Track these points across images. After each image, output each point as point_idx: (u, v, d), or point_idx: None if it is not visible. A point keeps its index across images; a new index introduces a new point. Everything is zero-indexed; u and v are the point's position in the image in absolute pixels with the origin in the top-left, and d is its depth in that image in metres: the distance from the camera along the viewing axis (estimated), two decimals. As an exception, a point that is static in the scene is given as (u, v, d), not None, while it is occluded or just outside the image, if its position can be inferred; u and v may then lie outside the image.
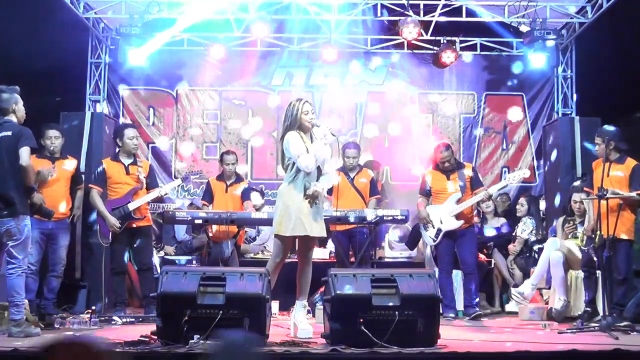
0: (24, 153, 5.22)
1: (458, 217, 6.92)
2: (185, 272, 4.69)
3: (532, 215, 7.99)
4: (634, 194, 5.98)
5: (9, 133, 5.27)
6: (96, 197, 6.84)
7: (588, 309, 6.27)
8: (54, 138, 6.64)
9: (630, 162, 6.18)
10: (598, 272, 6.27)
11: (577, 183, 7.36)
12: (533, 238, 7.77)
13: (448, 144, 7.21)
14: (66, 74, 8.75)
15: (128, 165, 6.90)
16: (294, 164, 5.28)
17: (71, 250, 7.08)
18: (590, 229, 6.25)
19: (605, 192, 5.75)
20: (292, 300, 5.60)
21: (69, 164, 6.81)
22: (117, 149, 7.10)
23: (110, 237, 6.77)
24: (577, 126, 8.32)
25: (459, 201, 6.93)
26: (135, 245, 6.89)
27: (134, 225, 6.82)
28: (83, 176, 7.25)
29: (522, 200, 8.11)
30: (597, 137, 6.27)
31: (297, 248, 5.56)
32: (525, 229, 7.82)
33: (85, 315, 6.06)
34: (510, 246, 7.86)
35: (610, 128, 6.27)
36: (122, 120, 9.06)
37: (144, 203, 6.80)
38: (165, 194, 7.07)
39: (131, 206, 6.74)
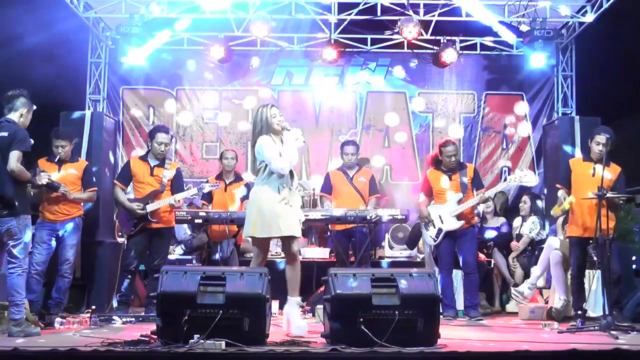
0: (12, 157, 5.24)
1: (459, 217, 6.92)
2: (185, 272, 4.69)
3: (536, 213, 8.00)
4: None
5: (6, 134, 5.30)
6: (119, 192, 6.96)
7: (579, 312, 6.24)
8: (60, 147, 6.70)
9: (616, 167, 6.25)
10: (593, 272, 6.31)
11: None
12: (539, 237, 7.78)
13: (453, 141, 7.24)
14: (66, 73, 8.75)
15: (154, 166, 6.95)
16: (266, 166, 5.35)
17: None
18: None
19: (605, 192, 5.74)
20: (292, 300, 5.62)
21: (75, 168, 6.84)
22: (148, 150, 7.15)
23: (125, 236, 6.82)
24: (577, 126, 8.32)
25: (460, 201, 6.94)
26: (152, 248, 6.91)
27: (152, 227, 6.84)
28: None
29: (525, 197, 8.10)
30: (605, 137, 6.18)
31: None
32: (534, 228, 7.83)
33: (85, 315, 6.07)
34: (514, 243, 7.85)
35: (610, 129, 6.29)
36: (121, 119, 9.07)
37: (161, 207, 6.81)
38: (179, 202, 7.00)
39: (149, 208, 6.78)
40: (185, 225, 8.12)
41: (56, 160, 6.72)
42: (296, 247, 5.56)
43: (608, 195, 5.79)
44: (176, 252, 8.16)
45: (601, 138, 6.20)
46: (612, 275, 5.99)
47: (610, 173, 6.16)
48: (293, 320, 5.30)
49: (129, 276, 6.90)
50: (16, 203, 5.28)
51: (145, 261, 7.09)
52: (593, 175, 6.16)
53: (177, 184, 7.01)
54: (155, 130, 7.18)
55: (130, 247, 6.89)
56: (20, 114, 5.45)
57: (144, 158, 7.09)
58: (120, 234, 6.95)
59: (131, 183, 7.09)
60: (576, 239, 6.33)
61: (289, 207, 5.37)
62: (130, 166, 7.06)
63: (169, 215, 6.92)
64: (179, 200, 6.88)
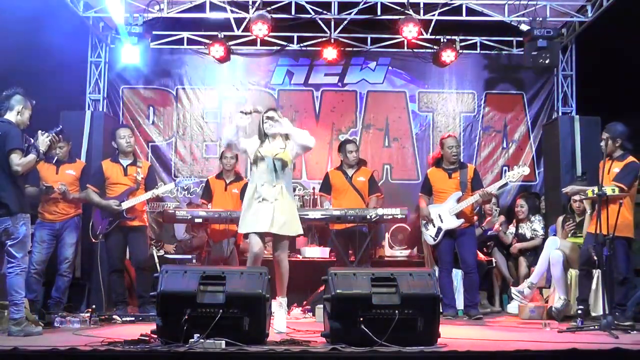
0: (13, 160, 5.22)
1: (458, 215, 6.92)
2: (185, 271, 4.68)
3: (536, 213, 8.02)
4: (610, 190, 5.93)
5: None
6: (92, 194, 6.86)
7: (581, 306, 6.23)
8: (58, 148, 6.69)
9: (628, 160, 6.17)
10: (595, 271, 6.28)
11: (576, 182, 7.37)
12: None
13: (454, 135, 7.32)
14: (66, 73, 8.75)
15: (127, 166, 6.95)
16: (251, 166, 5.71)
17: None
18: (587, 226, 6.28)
19: (604, 192, 5.73)
20: (293, 299, 5.63)
21: (73, 169, 6.84)
22: (117, 151, 7.11)
23: (102, 235, 6.81)
24: (577, 125, 8.32)
25: (459, 200, 6.94)
26: (130, 245, 6.91)
27: (127, 224, 6.83)
28: None
29: (521, 201, 8.11)
30: (603, 132, 6.25)
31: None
32: (543, 226, 7.86)
33: (85, 314, 6.07)
34: (515, 247, 7.85)
35: (618, 125, 6.25)
36: (122, 120, 9.07)
37: (137, 203, 6.82)
38: (158, 196, 7.05)
39: (124, 205, 6.76)
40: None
41: (54, 161, 6.72)
42: (280, 247, 5.66)
43: (608, 195, 5.77)
44: (173, 252, 8.16)
45: (603, 135, 6.23)
46: (617, 276, 5.98)
47: (619, 168, 6.13)
48: (274, 320, 5.51)
49: (120, 276, 6.92)
50: (12, 202, 5.26)
51: (131, 260, 7.11)
52: (608, 172, 6.14)
53: (151, 181, 7.03)
54: (115, 130, 7.17)
55: (109, 247, 6.88)
56: (16, 112, 5.41)
57: (115, 160, 7.03)
58: (98, 233, 6.87)
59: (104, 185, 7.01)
60: (593, 236, 6.22)
61: (265, 204, 5.54)
62: (102, 170, 6.99)
63: (144, 213, 6.98)
64: (155, 196, 6.94)
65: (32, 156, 5.34)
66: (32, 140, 5.43)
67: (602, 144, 6.21)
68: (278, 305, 5.60)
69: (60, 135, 5.78)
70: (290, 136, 5.65)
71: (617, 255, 5.95)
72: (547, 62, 8.06)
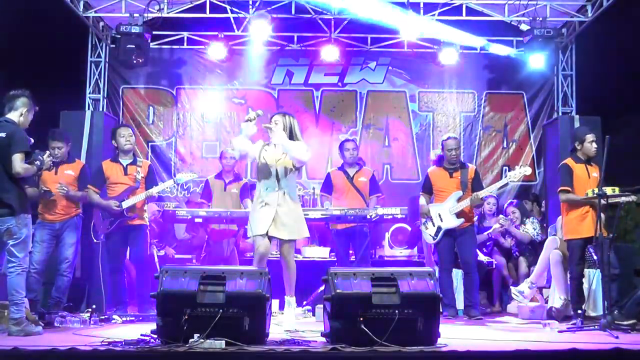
0: (15, 161, 5.23)
1: (458, 215, 6.92)
2: (185, 271, 4.68)
3: (529, 216, 8.02)
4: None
5: (3, 134, 5.28)
6: (93, 195, 6.84)
7: (580, 311, 6.23)
8: (57, 149, 6.67)
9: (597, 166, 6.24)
10: (594, 271, 6.30)
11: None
12: (539, 238, 7.79)
13: (454, 135, 7.34)
14: (66, 73, 8.75)
15: (127, 165, 6.93)
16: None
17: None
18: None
19: (604, 192, 5.74)
20: (292, 299, 5.70)
21: (72, 169, 6.83)
22: (117, 151, 7.10)
23: (103, 235, 6.80)
24: (577, 125, 8.32)
25: (459, 199, 6.94)
26: (130, 244, 6.91)
27: (128, 224, 6.82)
28: None
29: (513, 208, 8.12)
30: (593, 134, 6.34)
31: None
32: (536, 227, 7.86)
33: (85, 314, 6.07)
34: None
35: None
36: (122, 120, 9.07)
37: (137, 202, 6.80)
38: (157, 194, 7.02)
39: (124, 204, 6.76)
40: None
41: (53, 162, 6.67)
42: (285, 249, 5.79)
43: (609, 195, 5.78)
44: (174, 255, 8.16)
45: (593, 136, 6.32)
46: (613, 270, 5.98)
47: (596, 173, 6.18)
48: (285, 318, 5.71)
49: (120, 276, 6.92)
50: (15, 202, 5.28)
51: (131, 260, 7.09)
52: (589, 177, 6.19)
53: (150, 180, 7.00)
54: (115, 129, 7.15)
55: (110, 247, 6.85)
56: (20, 113, 5.43)
57: (115, 159, 6.99)
58: (99, 234, 6.86)
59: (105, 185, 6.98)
60: (575, 241, 6.33)
61: (268, 208, 5.63)
62: (103, 170, 6.95)
63: (144, 212, 6.95)
64: (155, 193, 6.90)
65: (34, 168, 5.41)
66: (35, 145, 5.46)
67: (596, 144, 6.30)
68: (287, 305, 5.74)
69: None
70: (284, 148, 5.69)
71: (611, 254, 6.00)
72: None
